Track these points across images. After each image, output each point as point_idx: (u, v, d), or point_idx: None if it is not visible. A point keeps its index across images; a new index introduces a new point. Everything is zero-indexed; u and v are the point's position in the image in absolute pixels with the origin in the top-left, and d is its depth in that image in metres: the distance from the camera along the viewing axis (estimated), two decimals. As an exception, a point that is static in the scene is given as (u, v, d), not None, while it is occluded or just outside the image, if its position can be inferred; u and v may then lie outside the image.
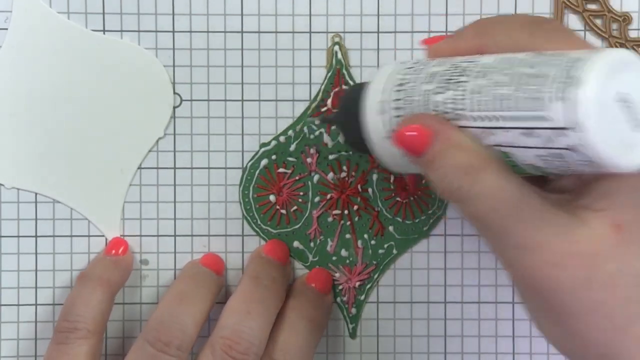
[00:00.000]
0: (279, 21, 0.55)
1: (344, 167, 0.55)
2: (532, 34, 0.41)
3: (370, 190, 0.55)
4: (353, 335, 0.56)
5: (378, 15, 0.55)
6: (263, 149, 0.55)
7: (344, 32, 0.55)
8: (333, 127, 0.55)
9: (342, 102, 0.50)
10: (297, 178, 0.55)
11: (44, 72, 0.54)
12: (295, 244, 0.55)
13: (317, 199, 0.55)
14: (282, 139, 0.55)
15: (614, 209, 0.38)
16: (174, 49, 0.55)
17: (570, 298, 0.38)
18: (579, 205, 0.39)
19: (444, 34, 0.55)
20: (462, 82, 0.40)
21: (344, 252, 0.55)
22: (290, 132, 0.55)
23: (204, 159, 0.55)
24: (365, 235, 0.55)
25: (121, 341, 0.56)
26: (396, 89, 0.43)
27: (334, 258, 0.55)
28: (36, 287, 0.55)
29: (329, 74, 0.54)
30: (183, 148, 0.55)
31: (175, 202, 0.55)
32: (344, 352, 0.56)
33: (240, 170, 0.55)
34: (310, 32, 0.55)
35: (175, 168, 0.55)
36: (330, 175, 0.55)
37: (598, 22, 0.55)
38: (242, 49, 0.55)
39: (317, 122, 0.54)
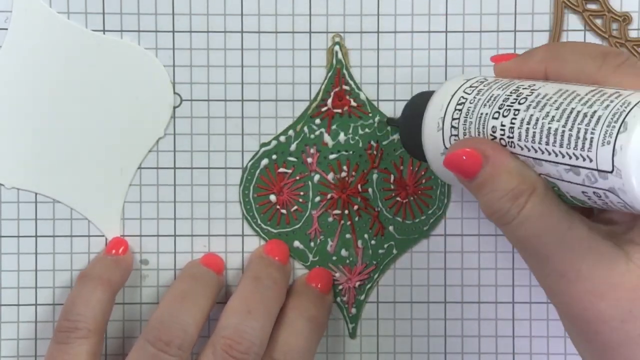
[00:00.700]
0: (279, 21, 0.55)
1: (344, 167, 0.55)
2: (601, 67, 0.41)
3: (370, 190, 0.55)
4: (353, 335, 0.56)
5: (378, 15, 0.55)
6: (263, 149, 0.55)
7: (344, 32, 0.55)
8: (334, 127, 0.55)
9: (406, 109, 0.50)
10: (297, 178, 0.55)
11: (44, 72, 0.54)
12: (296, 243, 0.55)
13: (317, 198, 0.55)
14: (282, 138, 0.55)
15: None
16: (174, 49, 0.55)
17: (610, 330, 0.38)
18: (625, 238, 0.40)
19: (444, 34, 0.55)
20: (516, 110, 0.40)
21: (344, 252, 0.55)
22: (290, 132, 0.55)
23: (204, 159, 0.55)
24: (366, 235, 0.55)
25: (121, 341, 0.56)
26: (456, 107, 0.44)
27: (334, 258, 0.55)
28: (36, 287, 0.55)
29: (329, 74, 0.55)
30: (183, 148, 0.55)
31: (175, 202, 0.55)
32: (344, 352, 0.56)
33: (240, 170, 0.55)
34: (310, 32, 0.55)
35: (175, 168, 0.55)
36: (331, 175, 0.55)
37: (598, 22, 0.55)
38: (242, 49, 0.55)
39: (385, 122, 0.54)
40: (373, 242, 0.55)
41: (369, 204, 0.55)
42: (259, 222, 0.55)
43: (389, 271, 0.56)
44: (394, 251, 0.55)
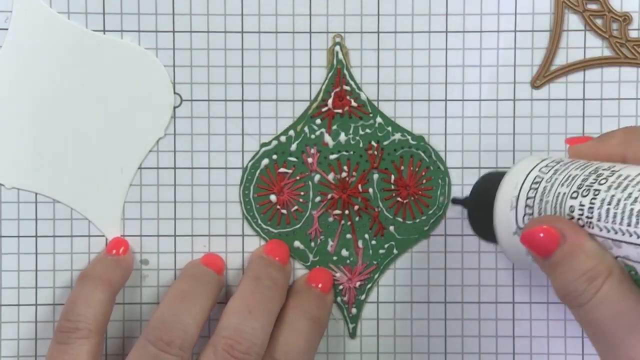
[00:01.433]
0: (279, 21, 0.55)
1: (345, 167, 0.55)
2: None
3: (370, 190, 0.55)
4: (353, 335, 0.56)
5: (378, 15, 0.55)
6: (264, 149, 0.55)
7: (344, 32, 0.55)
8: (334, 127, 0.55)
9: (475, 188, 0.50)
10: (297, 178, 0.55)
11: (44, 73, 0.54)
12: (296, 243, 0.55)
13: (317, 198, 0.55)
14: (282, 138, 0.55)
15: None
16: (174, 49, 0.55)
17: None
18: None
19: (444, 34, 0.55)
20: (597, 190, 0.40)
21: (344, 252, 0.55)
22: (290, 132, 0.55)
23: (204, 159, 0.55)
24: (366, 235, 0.55)
25: (121, 341, 0.56)
26: (532, 186, 0.44)
27: (334, 258, 0.55)
28: (36, 287, 0.55)
29: (330, 74, 0.55)
30: (183, 148, 0.55)
31: (175, 202, 0.55)
32: (344, 352, 0.56)
33: (240, 170, 0.55)
34: (310, 32, 0.55)
35: (175, 168, 0.55)
36: (331, 175, 0.55)
37: (598, 22, 0.55)
38: (242, 49, 0.55)
39: (450, 201, 0.55)
40: (373, 242, 0.55)
41: (369, 204, 0.55)
42: (259, 222, 0.55)
43: (389, 271, 0.56)
44: (395, 251, 0.55)
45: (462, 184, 0.55)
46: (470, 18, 0.55)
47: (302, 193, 0.55)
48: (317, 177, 0.55)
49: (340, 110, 0.55)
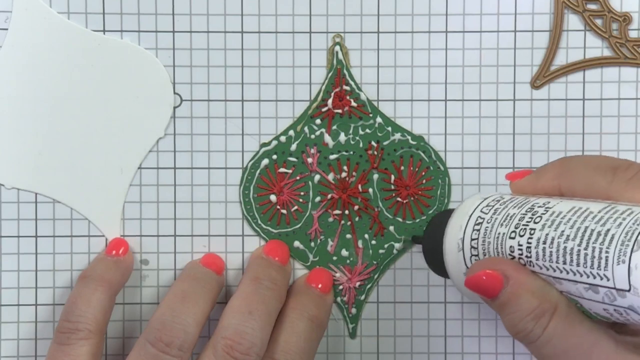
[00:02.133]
0: (279, 21, 0.55)
1: (345, 167, 0.55)
2: (612, 182, 0.41)
3: (370, 190, 0.55)
4: (353, 335, 0.56)
5: (378, 15, 0.55)
6: (264, 149, 0.55)
7: (344, 32, 0.55)
8: (334, 127, 0.55)
9: (427, 228, 0.50)
10: (297, 178, 0.55)
11: (44, 73, 0.54)
12: (296, 243, 0.55)
13: (317, 199, 0.55)
14: (282, 138, 0.55)
15: None
16: (174, 49, 0.55)
17: None
18: None
19: (444, 34, 0.55)
20: (532, 229, 0.41)
21: (344, 252, 0.55)
22: (290, 132, 0.55)
23: (204, 159, 0.55)
24: (366, 235, 0.55)
25: (121, 341, 0.56)
26: (474, 228, 0.44)
27: (334, 258, 0.55)
28: (36, 287, 0.55)
29: (330, 74, 0.55)
30: (183, 148, 0.55)
31: (175, 202, 0.55)
32: (344, 352, 0.56)
33: (240, 170, 0.55)
34: (310, 32, 0.55)
35: (175, 168, 0.55)
36: (331, 175, 0.55)
37: (598, 22, 0.55)
38: (242, 49, 0.55)
39: (404, 242, 0.55)
40: (373, 242, 0.55)
41: (369, 204, 0.55)
42: (259, 222, 0.55)
43: (389, 271, 0.56)
44: (394, 251, 0.55)
45: (462, 184, 0.55)
46: (470, 18, 0.55)
47: (302, 193, 0.55)
48: (317, 177, 0.55)
49: (340, 111, 0.55)
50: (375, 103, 0.55)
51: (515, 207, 0.43)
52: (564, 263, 0.39)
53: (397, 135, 0.55)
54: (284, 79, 0.55)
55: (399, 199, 0.55)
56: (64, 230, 0.55)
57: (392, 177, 0.55)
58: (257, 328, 0.49)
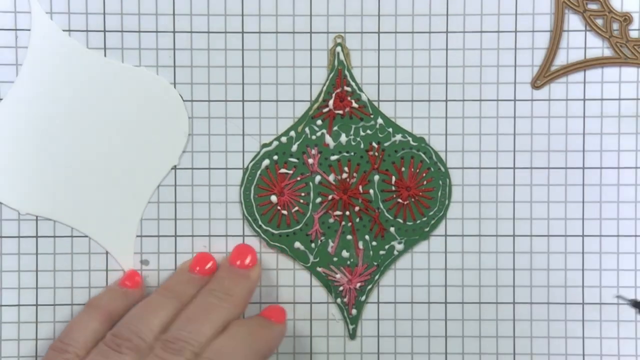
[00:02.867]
0: (280, 21, 0.55)
1: (345, 168, 0.55)
2: None
3: (371, 191, 0.55)
4: (353, 336, 0.56)
5: (379, 15, 0.55)
6: (264, 149, 0.55)
7: (344, 33, 0.55)
8: (335, 128, 0.55)
9: None
10: (298, 179, 0.55)
11: (61, 102, 0.54)
12: (297, 244, 0.55)
13: (318, 199, 0.55)
14: (283, 139, 0.55)
15: None
16: (174, 49, 0.55)
17: None
18: None
19: (444, 34, 0.55)
20: None
21: (345, 253, 0.55)
22: (291, 133, 0.55)
23: (204, 159, 0.55)
24: (366, 237, 0.55)
25: (122, 342, 0.56)
26: None
27: (334, 259, 0.55)
28: (37, 288, 0.55)
29: (331, 75, 0.54)
30: (184, 148, 0.55)
31: (175, 202, 0.55)
32: (344, 353, 0.56)
33: (240, 170, 0.55)
34: (310, 33, 0.55)
35: (175, 168, 0.55)
36: (332, 176, 0.55)
37: (599, 22, 0.55)
38: (242, 49, 0.55)
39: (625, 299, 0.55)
40: (374, 243, 0.55)
41: (369, 205, 0.55)
42: (259, 222, 0.55)
43: (390, 272, 0.56)
44: (395, 252, 0.55)
45: (462, 184, 0.55)
46: (470, 18, 0.55)
47: (302, 194, 0.55)
48: (317, 178, 0.55)
49: (341, 111, 0.55)
50: (375, 103, 0.55)
51: None
52: None
53: (398, 137, 0.55)
54: (284, 79, 0.55)
55: (399, 200, 0.55)
56: (64, 230, 0.55)
57: (393, 178, 0.55)
58: (193, 330, 0.49)
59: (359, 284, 0.55)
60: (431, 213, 0.55)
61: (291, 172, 0.55)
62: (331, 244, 0.55)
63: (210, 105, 0.55)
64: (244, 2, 0.55)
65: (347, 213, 0.55)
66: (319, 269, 0.55)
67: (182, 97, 0.55)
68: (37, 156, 0.54)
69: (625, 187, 0.55)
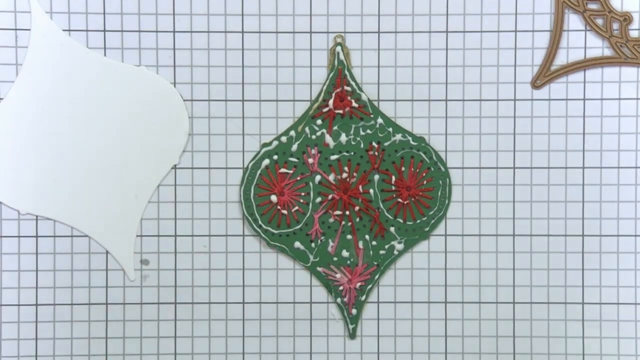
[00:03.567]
0: (280, 21, 0.55)
1: (346, 168, 0.55)
2: None
3: (371, 191, 0.55)
4: (352, 336, 0.56)
5: (379, 15, 0.55)
6: (265, 149, 0.55)
7: (344, 32, 0.55)
8: (335, 128, 0.55)
9: None
10: (298, 178, 0.55)
11: (62, 102, 0.54)
12: (296, 244, 0.55)
13: (318, 199, 0.55)
14: (283, 139, 0.55)
15: None
16: (174, 49, 0.55)
17: None
18: None
19: (444, 34, 0.55)
20: None
21: (345, 253, 0.55)
22: (291, 133, 0.55)
23: (204, 159, 0.55)
24: (366, 236, 0.55)
25: (122, 341, 0.56)
26: None
27: (335, 259, 0.55)
28: (37, 287, 0.55)
29: (331, 75, 0.54)
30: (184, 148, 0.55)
31: (175, 202, 0.55)
32: (344, 352, 0.56)
33: (240, 170, 0.55)
34: (310, 32, 0.55)
35: (175, 168, 0.55)
36: (332, 176, 0.55)
37: (599, 21, 0.55)
38: (242, 49, 0.55)
39: None
40: (374, 243, 0.55)
41: (369, 205, 0.55)
42: (259, 222, 0.55)
43: (390, 271, 0.56)
44: (395, 252, 0.55)
45: (462, 184, 0.55)
46: (470, 18, 0.55)
47: (302, 194, 0.55)
48: (317, 178, 0.55)
49: (341, 111, 0.54)
50: (375, 103, 0.55)
51: None
52: None
53: (398, 136, 0.55)
54: (284, 79, 0.55)
55: (399, 199, 0.55)
56: (64, 230, 0.55)
57: (393, 178, 0.55)
58: None
59: (359, 284, 0.55)
60: (431, 213, 0.55)
61: (291, 171, 0.55)
62: (331, 243, 0.55)
63: (210, 104, 0.55)
64: (244, 2, 0.55)
65: (347, 213, 0.55)
66: (319, 269, 0.55)
67: (182, 97, 0.55)
68: (37, 156, 0.54)
69: (625, 187, 0.55)
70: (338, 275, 0.55)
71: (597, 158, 0.55)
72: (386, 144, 0.55)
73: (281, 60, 0.55)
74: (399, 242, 0.55)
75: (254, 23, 0.55)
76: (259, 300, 0.56)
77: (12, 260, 0.55)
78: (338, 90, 0.55)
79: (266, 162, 0.55)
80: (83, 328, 0.55)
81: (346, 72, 0.54)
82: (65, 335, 0.55)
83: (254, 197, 0.55)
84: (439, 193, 0.55)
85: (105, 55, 0.54)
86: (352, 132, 0.55)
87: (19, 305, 0.55)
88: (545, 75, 0.55)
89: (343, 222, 0.55)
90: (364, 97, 0.54)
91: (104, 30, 0.54)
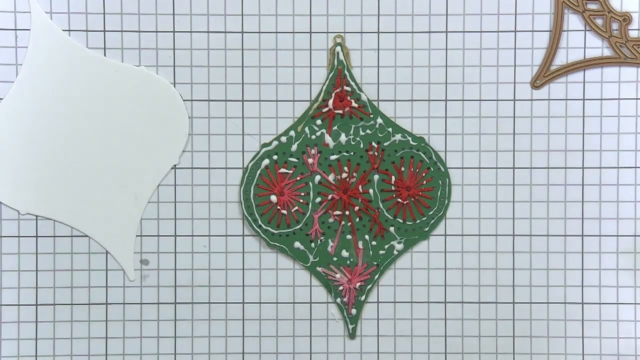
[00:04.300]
0: (280, 21, 0.55)
1: (345, 168, 0.55)
2: None
3: (371, 191, 0.55)
4: (352, 335, 0.56)
5: (378, 15, 0.55)
6: (264, 149, 0.55)
7: (344, 32, 0.55)
8: (335, 128, 0.55)
9: None
10: (298, 178, 0.55)
11: (62, 101, 0.54)
12: (296, 244, 0.55)
13: (318, 199, 0.55)
14: (283, 139, 0.55)
15: None
16: (174, 49, 0.55)
17: None
18: None
19: (444, 34, 0.55)
20: None
21: (344, 253, 0.55)
22: (291, 133, 0.55)
23: (204, 159, 0.55)
24: (366, 236, 0.55)
25: (122, 341, 0.56)
26: None
27: (334, 259, 0.55)
28: (37, 287, 0.55)
29: (331, 75, 0.54)
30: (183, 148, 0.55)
31: (175, 202, 0.55)
32: (344, 352, 0.56)
33: (240, 170, 0.55)
34: (310, 32, 0.55)
35: (175, 168, 0.55)
36: (332, 176, 0.55)
37: (598, 21, 0.55)
38: (242, 49, 0.55)
39: None
40: (374, 243, 0.55)
41: (369, 205, 0.55)
42: (259, 222, 0.55)
43: (389, 271, 0.56)
44: (395, 252, 0.55)
45: (462, 184, 0.55)
46: (470, 18, 0.55)
47: (302, 194, 0.55)
48: (317, 178, 0.55)
49: (340, 111, 0.55)
50: (375, 103, 0.55)
51: None
52: None
53: (398, 136, 0.55)
54: (284, 79, 0.55)
55: (399, 199, 0.55)
56: (64, 230, 0.55)
57: (393, 178, 0.55)
58: None
59: (358, 284, 0.55)
60: (431, 213, 0.55)
61: (291, 171, 0.55)
62: (331, 243, 0.55)
63: (210, 105, 0.55)
64: (244, 2, 0.55)
65: (347, 213, 0.55)
66: (318, 269, 0.55)
67: (182, 97, 0.55)
68: (37, 156, 0.54)
69: (624, 187, 0.55)
70: (338, 275, 0.55)
71: (597, 158, 0.55)
72: (386, 144, 0.55)
73: (281, 60, 0.55)
74: (399, 242, 0.55)
75: (254, 23, 0.55)
76: (259, 300, 0.56)
77: (12, 260, 0.55)
78: (338, 90, 0.55)
79: (266, 162, 0.55)
80: (83, 328, 0.55)
81: (346, 72, 0.54)
82: (65, 335, 0.55)
83: (254, 197, 0.55)
84: (439, 193, 0.55)
85: (105, 55, 0.54)
86: (351, 132, 0.55)
87: (19, 305, 0.55)
88: (544, 76, 0.55)
89: (343, 222, 0.55)
90: (363, 97, 0.54)
91: (104, 31, 0.54)
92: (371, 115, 0.55)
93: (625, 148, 0.55)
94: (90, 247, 0.55)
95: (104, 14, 0.54)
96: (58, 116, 0.54)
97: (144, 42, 0.54)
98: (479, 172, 0.55)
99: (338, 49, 0.54)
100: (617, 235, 0.55)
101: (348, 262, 0.55)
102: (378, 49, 0.55)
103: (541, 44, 0.55)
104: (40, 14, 0.54)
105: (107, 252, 0.55)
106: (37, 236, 0.55)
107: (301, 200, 0.55)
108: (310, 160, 0.55)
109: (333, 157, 0.55)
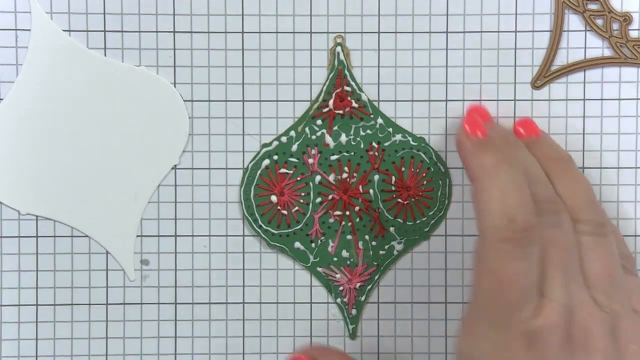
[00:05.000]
0: (280, 21, 0.55)
1: (346, 168, 0.55)
2: None
3: (371, 191, 0.55)
4: (353, 336, 0.56)
5: (379, 15, 0.55)
6: (265, 149, 0.55)
7: (344, 33, 0.55)
8: (335, 128, 0.55)
9: None
10: (298, 179, 0.55)
11: (61, 101, 0.54)
12: (296, 244, 0.55)
13: (318, 199, 0.55)
14: (283, 139, 0.55)
15: None
16: (174, 49, 0.55)
17: None
18: None
19: (444, 34, 0.55)
20: None
21: (344, 253, 0.55)
22: (291, 133, 0.55)
23: (204, 159, 0.55)
24: (366, 237, 0.55)
25: (122, 341, 0.56)
26: None
27: (334, 259, 0.55)
28: (37, 287, 0.55)
29: (331, 75, 0.54)
30: (184, 148, 0.55)
31: (175, 202, 0.55)
32: (345, 352, 0.56)
33: (240, 170, 0.55)
34: (310, 33, 0.55)
35: (175, 168, 0.55)
36: (332, 176, 0.55)
37: (599, 22, 0.55)
38: (242, 49, 0.55)
39: None
40: (374, 243, 0.55)
41: (370, 205, 0.55)
42: (259, 222, 0.55)
43: (390, 272, 0.56)
44: (395, 252, 0.55)
45: (462, 184, 0.55)
46: (470, 18, 0.55)
47: (302, 194, 0.55)
48: (317, 178, 0.55)
49: (341, 111, 0.55)
50: (375, 103, 0.55)
51: None
52: None
53: (398, 137, 0.55)
54: (284, 79, 0.55)
55: (399, 200, 0.55)
56: (64, 230, 0.55)
57: (393, 178, 0.55)
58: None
59: (359, 284, 0.55)
60: (431, 213, 0.55)
61: (291, 172, 0.55)
62: (331, 243, 0.55)
63: (210, 105, 0.55)
64: (244, 2, 0.55)
65: (347, 213, 0.55)
66: (319, 269, 0.55)
67: (182, 97, 0.55)
68: (37, 156, 0.54)
69: (625, 187, 0.55)
70: (338, 276, 0.55)
71: (597, 158, 0.55)
72: (386, 144, 0.55)
73: (281, 60, 0.55)
74: (399, 243, 0.55)
75: (254, 23, 0.55)
76: (259, 301, 0.56)
77: (12, 261, 0.55)
78: (338, 90, 0.55)
79: (266, 162, 0.55)
80: (83, 328, 0.56)
81: (346, 72, 0.54)
82: (65, 336, 0.55)
83: (254, 198, 0.55)
84: (439, 193, 0.55)
85: (105, 55, 0.54)
86: (352, 132, 0.55)
87: (19, 305, 0.55)
88: (545, 76, 0.55)
89: (343, 223, 0.55)
90: (364, 98, 0.55)
91: (104, 31, 0.54)
92: (371, 116, 0.55)
93: (625, 148, 0.55)
94: (91, 247, 0.55)
95: (104, 14, 0.54)
96: (58, 116, 0.54)
97: (145, 42, 0.54)
98: (479, 172, 0.55)
99: (338, 49, 0.54)
100: (618, 236, 0.55)
101: (348, 262, 0.55)
102: (378, 49, 0.55)
103: (541, 44, 0.55)
104: (41, 14, 0.54)
105: (107, 253, 0.55)
106: (37, 236, 0.55)
107: (301, 201, 0.55)
108: (310, 161, 0.55)
109: (333, 157, 0.55)
